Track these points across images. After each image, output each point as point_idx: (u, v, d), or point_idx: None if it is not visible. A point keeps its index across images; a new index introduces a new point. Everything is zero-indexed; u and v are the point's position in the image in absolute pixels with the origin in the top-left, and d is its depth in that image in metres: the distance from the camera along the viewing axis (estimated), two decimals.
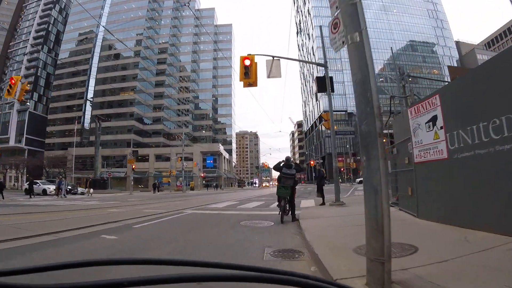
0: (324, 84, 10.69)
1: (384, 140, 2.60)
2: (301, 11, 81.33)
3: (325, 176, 12.23)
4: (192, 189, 51.16)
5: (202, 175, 57.57)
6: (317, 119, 71.17)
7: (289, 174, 7.34)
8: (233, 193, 29.91)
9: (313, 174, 54.90)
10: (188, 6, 46.61)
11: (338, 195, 10.24)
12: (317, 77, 11.09)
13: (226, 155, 70.62)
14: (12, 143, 63.59)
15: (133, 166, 40.02)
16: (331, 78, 10.63)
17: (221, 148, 64.17)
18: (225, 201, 14.75)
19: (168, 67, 68.75)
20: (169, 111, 68.00)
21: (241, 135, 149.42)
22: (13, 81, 16.07)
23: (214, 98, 78.41)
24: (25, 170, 55.43)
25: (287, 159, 7.63)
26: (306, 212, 8.76)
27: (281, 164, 7.47)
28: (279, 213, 7.31)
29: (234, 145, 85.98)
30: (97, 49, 68.20)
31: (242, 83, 9.29)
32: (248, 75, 8.80)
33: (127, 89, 62.88)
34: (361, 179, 42.79)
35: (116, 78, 63.48)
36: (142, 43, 67.03)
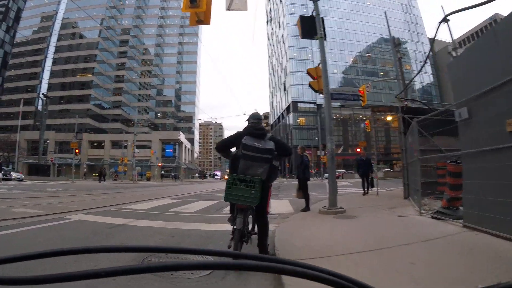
0: (311, 26, 7.94)
1: None
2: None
3: (309, 166, 8.32)
4: (148, 179, 51.98)
5: (159, 164, 58.25)
6: (284, 111, 73.84)
7: (259, 151, 3.39)
8: (187, 186, 28.12)
9: (288, 164, 54.64)
10: None
11: (335, 197, 6.95)
12: (301, 16, 8.41)
13: (188, 145, 72.92)
14: None
15: (76, 151, 38.97)
16: (322, 19, 7.93)
17: (182, 136, 66.37)
18: (164, 198, 12.29)
19: (130, 50, 70.60)
20: (130, 96, 69.95)
21: (206, 126, 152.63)
22: None
23: (178, 85, 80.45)
24: None
25: (254, 117, 3.74)
26: (285, 229, 5.03)
27: (240, 132, 3.68)
28: (231, 237, 3.51)
29: (197, 135, 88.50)
30: (57, 27, 69.60)
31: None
32: (196, 2, 6.00)
33: (85, 70, 64.71)
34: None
35: (74, 58, 65.18)
36: (104, 22, 68.59)
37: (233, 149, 3.63)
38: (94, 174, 56.25)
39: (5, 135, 59.18)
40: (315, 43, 10.30)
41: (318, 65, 8.20)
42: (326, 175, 40.35)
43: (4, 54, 71.91)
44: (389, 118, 17.06)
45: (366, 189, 11.66)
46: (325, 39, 8.04)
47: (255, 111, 3.87)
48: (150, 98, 73.75)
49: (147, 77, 73.87)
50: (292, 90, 66.78)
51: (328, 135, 7.78)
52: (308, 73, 8.34)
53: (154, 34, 76.84)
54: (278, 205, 9.14)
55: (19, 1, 78.32)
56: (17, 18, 75.34)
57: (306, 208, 7.54)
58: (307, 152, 9.28)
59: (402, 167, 11.69)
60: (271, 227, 4.41)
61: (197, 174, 77.61)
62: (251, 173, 3.35)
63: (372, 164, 12.46)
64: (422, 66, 12.20)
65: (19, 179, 31.25)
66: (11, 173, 32.21)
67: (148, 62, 73.01)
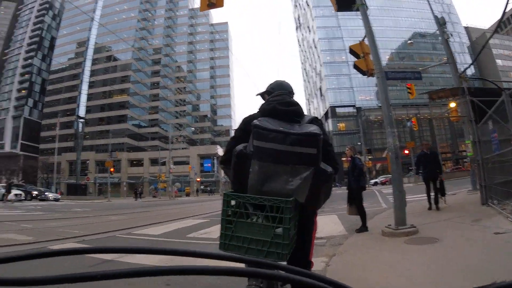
0: None
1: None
2: (299, 5, 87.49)
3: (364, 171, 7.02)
4: (187, 194, 54.24)
5: (198, 179, 60.97)
6: (322, 117, 76.11)
7: (290, 140, 1.76)
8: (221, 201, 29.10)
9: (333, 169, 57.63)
10: None
11: (403, 212, 5.64)
12: None
13: None
14: (7, 149, 72.02)
15: (111, 170, 41.24)
16: None
17: (220, 150, 69.24)
18: (189, 217, 11.65)
19: (163, 68, 75.37)
20: (166, 113, 74.14)
21: None
22: None
23: (213, 100, 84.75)
24: (20, 176, 62.52)
25: (279, 86, 2.30)
26: (341, 272, 3.70)
27: (251, 115, 2.16)
28: None
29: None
30: (90, 52, 75.71)
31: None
32: None
33: (121, 92, 69.70)
34: (377, 180, 44.85)
35: (109, 81, 70.44)
36: (135, 44, 73.99)
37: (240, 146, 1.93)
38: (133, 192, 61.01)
39: (44, 158, 65.52)
40: (347, 43, 10.84)
41: (363, 39, 6.96)
42: (373, 181, 41.52)
43: (42, 81, 78.35)
44: (452, 104, 14.50)
45: (434, 199, 8.18)
46: (366, 8, 6.77)
47: (280, 81, 2.34)
48: (186, 114, 77.76)
49: (181, 93, 78.30)
50: (329, 95, 68.89)
51: (388, 127, 6.11)
52: (352, 51, 7.12)
53: (185, 51, 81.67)
54: (324, 223, 7.18)
55: (52, 30, 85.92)
56: (52, 46, 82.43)
57: (363, 228, 6.16)
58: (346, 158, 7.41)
59: (474, 164, 9.91)
60: (317, 263, 3.11)
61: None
62: (274, 188, 1.80)
63: (441, 161, 9.08)
64: (481, 50, 10.24)
65: (56, 199, 33.04)
66: (46, 193, 34.18)
67: (181, 79, 77.75)
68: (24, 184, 40.12)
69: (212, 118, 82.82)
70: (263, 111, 2.03)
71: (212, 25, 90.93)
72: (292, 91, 2.30)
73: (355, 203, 6.50)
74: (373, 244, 4.86)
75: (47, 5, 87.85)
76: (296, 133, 1.80)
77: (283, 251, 1.73)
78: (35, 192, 33.21)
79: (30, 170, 64.02)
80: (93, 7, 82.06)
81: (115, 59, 74.94)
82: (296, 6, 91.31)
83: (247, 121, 2.07)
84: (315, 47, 74.10)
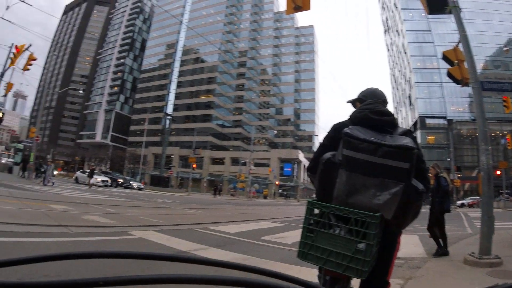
0: None
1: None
2: (387, 7, 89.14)
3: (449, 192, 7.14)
4: (265, 197, 59.37)
5: (277, 182, 68.00)
6: (411, 128, 75.95)
7: (383, 152, 1.85)
8: (301, 207, 28.64)
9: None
10: None
11: (489, 241, 5.60)
12: None
13: (307, 164, 79.00)
14: (98, 138, 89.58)
15: (194, 165, 47.24)
16: None
17: (301, 155, 73.85)
18: (265, 220, 12.60)
19: (248, 71, 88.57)
20: (249, 115, 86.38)
21: None
22: (18, 49, 19.78)
23: (297, 103, 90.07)
24: (108, 164, 71.72)
25: (372, 94, 2.39)
26: None
27: (341, 122, 2.27)
28: None
29: None
30: (178, 54, 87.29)
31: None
32: None
33: (206, 92, 77.48)
34: (465, 201, 44.28)
35: (196, 82, 79.28)
36: (222, 46, 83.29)
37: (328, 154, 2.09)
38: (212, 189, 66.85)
39: (132, 149, 79.24)
40: (439, 49, 10.99)
41: (457, 44, 7.22)
42: (459, 202, 40.72)
43: (133, 80, 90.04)
44: None
45: None
46: (460, 11, 6.93)
47: (372, 88, 2.47)
48: (269, 117, 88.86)
49: (265, 96, 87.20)
50: (418, 104, 69.56)
51: (482, 143, 6.12)
52: (445, 57, 7.42)
53: (271, 54, 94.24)
54: (404, 243, 8.00)
55: (143, 33, 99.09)
56: (143, 48, 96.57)
57: (443, 251, 6.38)
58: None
59: None
60: (393, 284, 3.24)
61: (314, 195, 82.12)
62: (361, 201, 1.88)
63: None
64: None
65: (139, 188, 37.58)
66: (131, 182, 38.88)
67: (266, 82, 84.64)
68: (111, 171, 46.98)
69: (295, 122, 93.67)
70: (354, 119, 2.13)
71: (297, 28, 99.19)
72: (386, 100, 2.38)
73: (437, 225, 6.62)
74: (453, 272, 5.03)
75: (137, 10, 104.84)
76: (388, 144, 1.84)
77: (363, 268, 1.78)
78: (121, 180, 37.84)
79: (118, 159, 78.37)
80: (181, 11, 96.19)
81: (202, 61, 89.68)
82: (383, 8, 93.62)
83: (337, 129, 2.17)
84: (405, 52, 75.83)
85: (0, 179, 20.12)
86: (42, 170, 26.72)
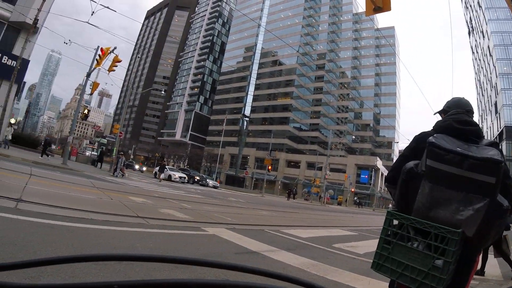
0: None
1: None
2: (471, 6, 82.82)
3: None
4: (339, 203, 58.09)
5: (352, 190, 66.21)
6: (496, 138, 70.16)
7: (468, 164, 1.77)
8: (376, 217, 29.34)
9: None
10: None
11: None
12: None
13: (385, 172, 76.50)
14: (178, 137, 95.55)
15: (269, 168, 47.50)
16: None
17: (379, 163, 71.52)
18: (337, 227, 12.44)
19: (326, 74, 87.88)
20: (327, 119, 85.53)
21: None
22: (103, 52, 21.26)
23: (376, 108, 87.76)
24: (186, 162, 74.92)
25: (458, 104, 2.26)
26: None
27: (425, 132, 2.21)
28: None
29: None
30: (257, 57, 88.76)
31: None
32: None
33: (284, 95, 77.93)
34: None
35: (274, 84, 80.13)
36: (300, 49, 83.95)
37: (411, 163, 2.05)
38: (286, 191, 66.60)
39: (210, 149, 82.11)
40: None
41: None
42: None
43: (212, 81, 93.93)
44: None
45: None
46: None
47: (459, 98, 2.37)
48: (347, 121, 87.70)
49: (344, 100, 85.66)
50: (504, 112, 62.74)
51: None
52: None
53: (350, 56, 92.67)
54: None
55: (222, 36, 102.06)
56: (222, 51, 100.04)
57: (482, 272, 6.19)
58: None
59: None
60: None
61: (390, 205, 78.85)
62: (442, 216, 1.84)
63: None
64: None
65: (214, 187, 38.57)
66: (207, 180, 40.18)
67: (345, 85, 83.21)
68: (188, 169, 49.94)
69: (374, 128, 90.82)
70: (438, 129, 2.08)
71: (377, 29, 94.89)
72: (471, 109, 2.27)
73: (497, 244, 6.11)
74: None
75: (216, 14, 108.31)
76: (475, 157, 1.76)
77: (438, 285, 1.72)
78: (197, 178, 39.22)
79: (196, 157, 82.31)
80: (259, 15, 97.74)
81: (280, 64, 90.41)
82: (467, 7, 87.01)
83: (419, 139, 2.15)
84: (490, 55, 69.17)
85: (83, 170, 21.36)
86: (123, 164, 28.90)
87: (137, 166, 48.76)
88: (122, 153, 28.70)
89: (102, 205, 7.62)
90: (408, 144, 2.31)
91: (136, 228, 5.62)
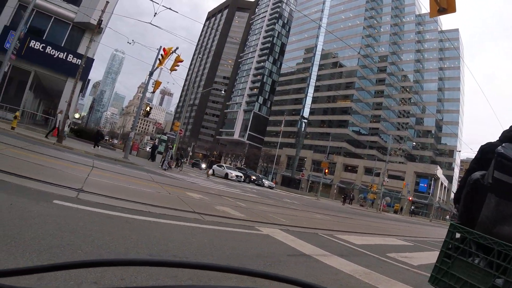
0: None
1: None
2: None
3: None
4: (396, 212, 56.85)
5: (410, 198, 62.92)
6: None
7: None
8: (433, 228, 28.71)
9: None
10: None
11: None
12: None
13: (445, 182, 75.20)
14: (236, 136, 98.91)
15: (326, 171, 47.71)
16: None
17: (440, 171, 69.63)
18: (391, 236, 12.19)
19: (388, 77, 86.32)
20: (387, 123, 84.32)
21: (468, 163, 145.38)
22: (166, 52, 22.05)
23: (439, 114, 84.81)
24: (243, 161, 77.58)
25: None
26: None
27: (492, 142, 2.21)
28: None
29: (457, 173, 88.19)
30: (317, 58, 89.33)
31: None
32: None
33: (344, 97, 77.88)
34: None
35: (334, 86, 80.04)
36: (361, 51, 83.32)
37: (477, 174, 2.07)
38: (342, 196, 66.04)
39: (267, 149, 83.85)
40: None
41: None
42: None
43: (272, 82, 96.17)
44: None
45: None
46: None
47: None
48: (408, 127, 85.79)
49: (406, 104, 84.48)
50: None
51: None
52: None
53: (412, 59, 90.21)
54: None
55: (282, 37, 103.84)
56: (282, 52, 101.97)
57: None
58: None
59: None
60: None
61: (448, 217, 76.03)
62: (508, 232, 1.75)
63: None
64: None
65: (270, 187, 38.88)
66: (263, 180, 40.55)
67: (407, 89, 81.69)
68: (245, 168, 50.53)
69: (436, 135, 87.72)
70: (504, 139, 1.97)
71: (441, 31, 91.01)
72: None
73: None
74: None
75: (276, 15, 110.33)
76: None
77: None
78: (254, 177, 39.51)
79: (253, 157, 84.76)
80: (319, 16, 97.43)
81: (341, 66, 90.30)
82: None
83: (485, 149, 2.03)
84: None
85: (143, 164, 22.16)
86: (182, 160, 29.75)
87: (203, 165, 50.25)
88: (171, 146, 29.73)
89: (160, 199, 7.95)
90: (474, 156, 2.30)
91: (192, 223, 5.83)
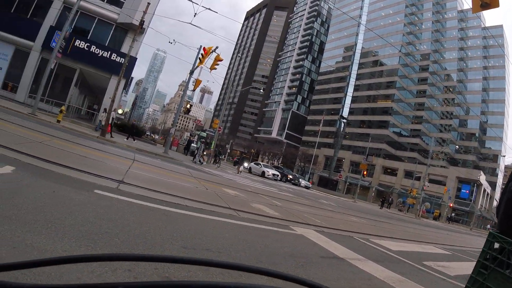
0: None
1: None
2: None
3: None
4: (435, 218, 55.51)
5: (451, 204, 60.26)
6: None
7: None
8: (472, 237, 27.81)
9: None
10: None
11: None
12: None
13: (488, 189, 72.06)
14: (274, 135, 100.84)
15: (364, 173, 46.65)
16: None
17: (483, 177, 66.66)
18: (428, 243, 11.97)
19: (431, 76, 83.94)
20: (429, 125, 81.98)
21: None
22: (206, 51, 22.68)
23: (483, 116, 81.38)
24: (280, 160, 78.40)
25: None
26: None
27: None
28: None
29: (500, 179, 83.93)
30: (357, 57, 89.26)
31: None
32: None
33: (385, 97, 76.90)
34: None
35: (375, 85, 79.56)
36: (402, 49, 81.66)
37: None
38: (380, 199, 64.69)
39: (305, 149, 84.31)
40: None
41: None
42: None
43: (310, 81, 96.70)
44: None
45: None
46: None
47: None
48: (451, 129, 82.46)
49: (449, 105, 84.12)
50: None
51: None
52: None
53: (455, 58, 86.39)
54: None
55: (321, 36, 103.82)
56: (321, 50, 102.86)
57: None
58: None
59: None
60: None
61: (489, 226, 72.82)
62: None
63: None
64: None
65: (306, 187, 38.87)
66: (300, 180, 40.57)
67: (450, 89, 79.29)
68: (282, 167, 50.47)
69: (480, 138, 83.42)
70: None
71: (484, 28, 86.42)
72: None
73: None
74: None
75: (315, 13, 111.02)
76: None
77: None
78: (290, 176, 39.82)
79: (290, 156, 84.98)
80: (358, 13, 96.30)
81: (381, 64, 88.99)
82: None
83: None
84: None
85: (182, 159, 23.05)
86: (220, 157, 30.24)
87: (246, 164, 50.46)
88: (203, 140, 30.55)
89: (197, 193, 8.13)
90: None
91: (226, 219, 5.91)
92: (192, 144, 37.03)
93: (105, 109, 23.26)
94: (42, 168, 5.73)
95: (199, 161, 24.77)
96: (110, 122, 22.18)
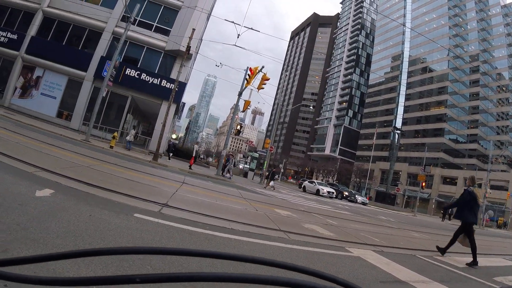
0: None
1: None
2: None
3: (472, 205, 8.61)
4: (500, 226, 53.95)
5: None
6: None
7: None
8: None
9: None
10: None
11: None
12: None
13: None
14: (327, 152, 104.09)
15: (423, 184, 45.94)
16: None
17: None
18: (500, 256, 11.62)
19: (482, 77, 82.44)
20: (486, 128, 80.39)
21: None
22: (252, 71, 23.01)
23: None
24: (335, 176, 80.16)
25: None
26: None
27: None
28: None
29: None
30: (405, 65, 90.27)
31: None
32: None
33: (437, 103, 77.73)
34: None
35: (426, 93, 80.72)
36: (450, 52, 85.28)
37: None
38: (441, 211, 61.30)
39: (359, 164, 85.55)
40: None
41: None
42: None
43: (360, 95, 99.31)
44: None
45: None
46: None
47: None
48: (509, 130, 79.70)
49: (504, 105, 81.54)
50: None
51: None
52: None
53: (505, 55, 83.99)
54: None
55: (367, 48, 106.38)
56: (368, 62, 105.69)
57: (474, 262, 7.58)
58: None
59: None
60: None
61: None
62: None
63: None
64: None
65: (363, 203, 39.09)
66: (356, 196, 40.78)
67: (503, 89, 76.92)
68: (337, 184, 51.41)
69: None
70: None
71: None
72: None
73: (466, 235, 8.23)
74: None
75: (358, 26, 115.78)
76: None
77: None
78: (346, 193, 40.70)
79: (345, 172, 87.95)
80: (402, 21, 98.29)
81: (431, 70, 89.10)
82: None
83: None
84: None
85: (234, 181, 23.50)
86: (275, 178, 30.67)
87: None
88: (232, 154, 30.41)
89: (246, 215, 8.02)
90: None
91: (276, 242, 5.71)
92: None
93: (134, 126, 26.43)
94: (82, 192, 5.90)
95: (229, 176, 25.54)
96: (193, 154, 24.12)
